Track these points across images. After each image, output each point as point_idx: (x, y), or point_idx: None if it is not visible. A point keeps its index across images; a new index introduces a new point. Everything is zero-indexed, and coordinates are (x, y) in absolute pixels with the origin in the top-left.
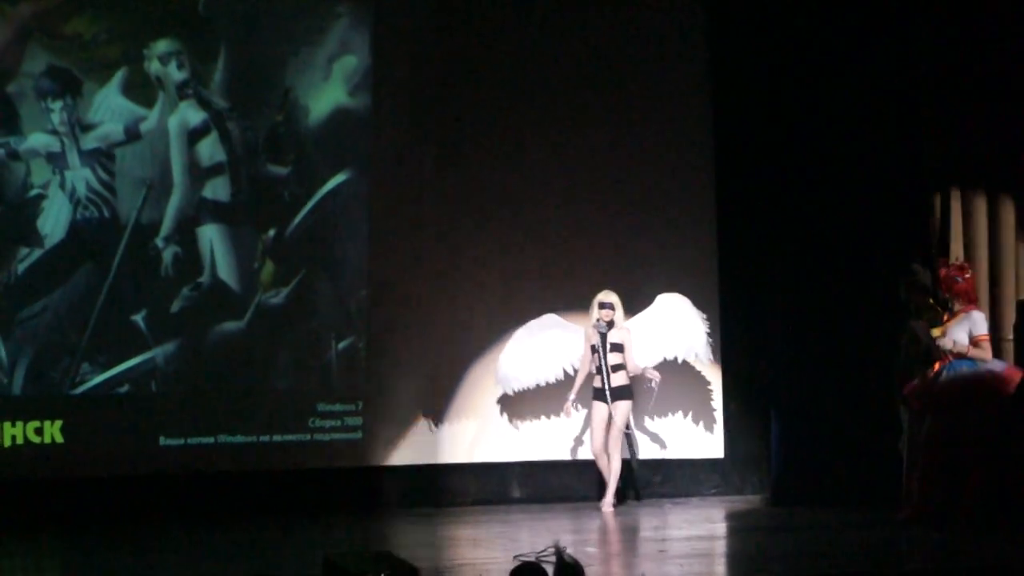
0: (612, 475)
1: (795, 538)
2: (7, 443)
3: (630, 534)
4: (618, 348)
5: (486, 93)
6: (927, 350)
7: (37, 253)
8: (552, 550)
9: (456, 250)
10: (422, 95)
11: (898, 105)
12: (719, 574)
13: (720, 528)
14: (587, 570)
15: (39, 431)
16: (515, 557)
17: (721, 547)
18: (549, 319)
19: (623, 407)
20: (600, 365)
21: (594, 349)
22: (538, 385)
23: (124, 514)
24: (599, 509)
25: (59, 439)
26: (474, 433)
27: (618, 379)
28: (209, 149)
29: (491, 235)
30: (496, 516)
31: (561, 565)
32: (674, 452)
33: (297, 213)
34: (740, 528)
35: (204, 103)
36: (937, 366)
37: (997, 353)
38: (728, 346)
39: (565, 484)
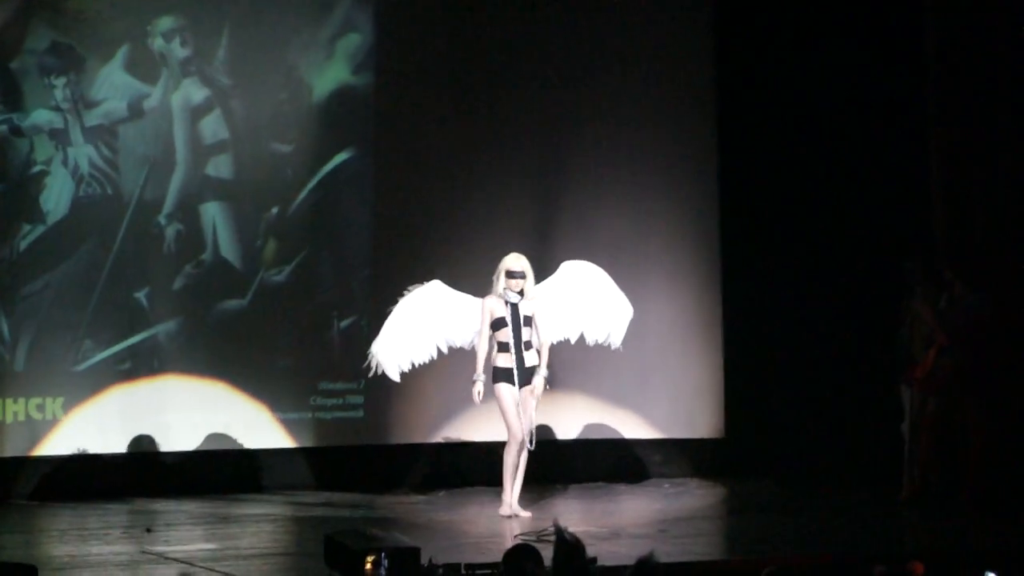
0: (523, 469)
1: (796, 519)
2: (9, 419)
3: (632, 514)
4: (529, 322)
5: (490, 72)
6: (930, 332)
7: (40, 230)
8: (552, 529)
9: (459, 230)
10: (426, 74)
11: (902, 91)
12: (720, 554)
13: (721, 508)
14: (589, 549)
15: (41, 407)
16: (515, 536)
17: (722, 527)
18: (435, 287)
19: (538, 390)
20: (510, 341)
21: (500, 323)
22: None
23: (124, 490)
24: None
25: (61, 415)
26: (478, 412)
27: (532, 358)
28: (212, 126)
29: (495, 215)
30: (487, 495)
31: (562, 543)
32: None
33: (300, 191)
34: (741, 508)
35: (207, 80)
36: (938, 348)
37: (998, 336)
38: (730, 327)
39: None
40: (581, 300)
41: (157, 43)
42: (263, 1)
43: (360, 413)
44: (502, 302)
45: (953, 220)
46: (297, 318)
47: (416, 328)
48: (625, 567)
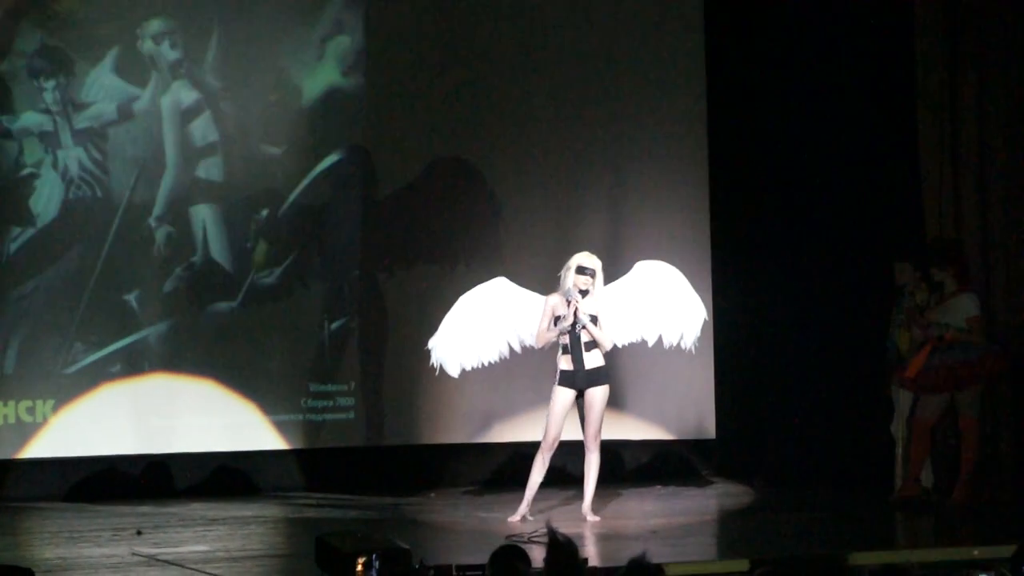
0: (593, 475)
1: (788, 520)
2: None
3: (624, 515)
4: (593, 322)
5: (481, 73)
6: (920, 332)
7: (29, 232)
8: (545, 530)
9: (449, 230)
10: (416, 75)
11: (893, 92)
12: (710, 554)
13: (711, 508)
14: (581, 550)
15: (31, 410)
16: (507, 537)
17: (712, 528)
18: (500, 283)
19: (602, 393)
20: (570, 342)
21: (560, 323)
22: (484, 364)
23: (115, 493)
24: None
25: (51, 417)
26: (468, 414)
27: (593, 359)
28: (202, 129)
29: (485, 215)
30: (478, 497)
31: (554, 544)
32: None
33: (290, 193)
34: (732, 508)
35: (197, 83)
36: (930, 348)
37: (989, 336)
38: (721, 329)
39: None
40: (656, 301)
41: (146, 45)
42: (252, 3)
43: (351, 415)
44: (564, 301)
45: (943, 220)
46: (288, 320)
47: (482, 325)
48: (617, 568)
